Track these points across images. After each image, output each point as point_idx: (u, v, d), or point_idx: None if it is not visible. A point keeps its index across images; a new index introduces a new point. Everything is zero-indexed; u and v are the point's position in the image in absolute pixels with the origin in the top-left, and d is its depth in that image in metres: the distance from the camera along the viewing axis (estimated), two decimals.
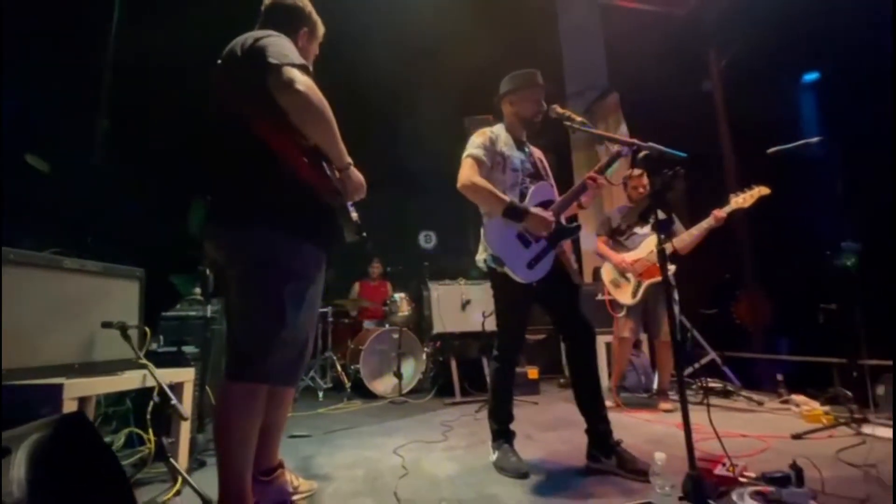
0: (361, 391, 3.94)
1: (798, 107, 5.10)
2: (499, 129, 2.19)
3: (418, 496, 1.68)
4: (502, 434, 2.04)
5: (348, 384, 3.98)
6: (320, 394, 3.96)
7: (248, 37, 1.35)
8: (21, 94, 2.83)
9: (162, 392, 1.77)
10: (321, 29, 1.66)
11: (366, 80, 5.28)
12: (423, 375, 4.19)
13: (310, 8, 1.61)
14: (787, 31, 4.10)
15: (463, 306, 3.90)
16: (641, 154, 1.60)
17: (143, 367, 1.83)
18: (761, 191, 2.88)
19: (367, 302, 4.81)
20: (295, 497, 1.69)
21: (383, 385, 3.97)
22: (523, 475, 1.84)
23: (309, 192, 1.36)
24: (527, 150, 2.22)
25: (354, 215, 1.61)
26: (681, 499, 1.36)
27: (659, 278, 3.12)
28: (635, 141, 1.66)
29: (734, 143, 4.10)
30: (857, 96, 4.61)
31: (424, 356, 4.27)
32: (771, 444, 2.21)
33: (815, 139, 2.53)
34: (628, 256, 3.18)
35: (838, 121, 5.05)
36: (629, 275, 3.14)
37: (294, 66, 1.24)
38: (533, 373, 3.90)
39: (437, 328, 3.87)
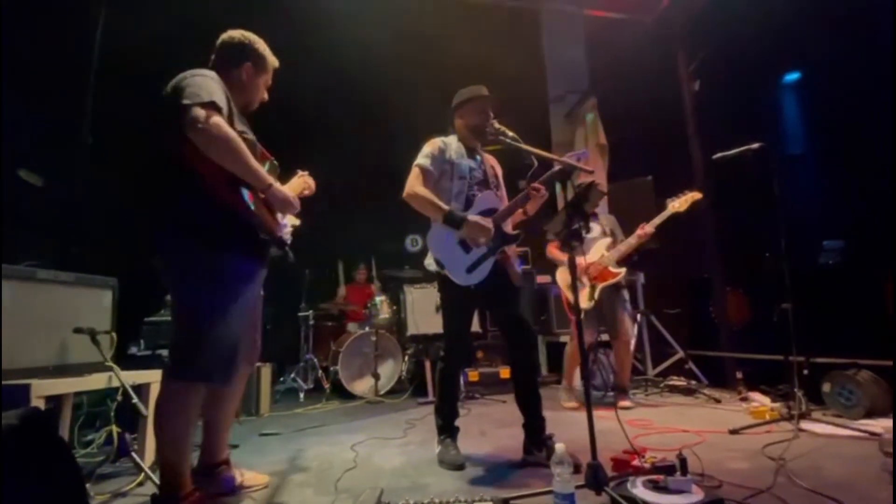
0: (341, 392, 4.09)
1: (770, 105, 5.19)
2: (451, 139, 2.31)
3: (356, 486, 1.82)
4: (446, 430, 2.17)
5: (327, 385, 4.13)
6: (301, 395, 4.11)
7: (180, 76, 1.52)
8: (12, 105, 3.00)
9: (125, 392, 1.93)
10: (270, 62, 1.81)
11: (354, 86, 5.43)
12: (402, 376, 4.33)
13: (257, 44, 1.76)
14: (753, 35, 4.19)
15: (437, 309, 4.03)
16: (556, 168, 1.73)
17: (110, 369, 2.00)
18: (694, 196, 3.05)
19: (347, 305, 4.95)
20: (243, 490, 1.83)
21: (362, 386, 4.12)
22: (459, 467, 1.98)
23: (231, 210, 1.51)
24: (478, 158, 2.34)
25: (287, 229, 1.77)
26: (580, 486, 1.48)
27: (611, 281, 3.23)
28: (553, 157, 1.78)
29: (702, 144, 4.18)
30: (833, 97, 4.70)
31: (406, 357, 4.41)
32: (707, 438, 2.31)
33: (755, 145, 2.61)
34: (581, 261, 3.29)
35: (817, 120, 5.14)
36: (584, 278, 3.25)
37: (202, 104, 1.39)
38: (506, 372, 4.03)
39: (412, 330, 4.00)
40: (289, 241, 1.82)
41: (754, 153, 2.61)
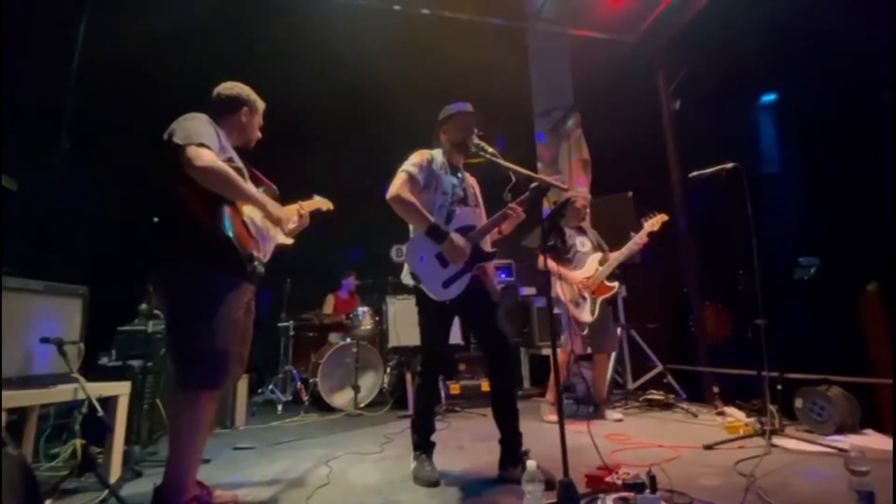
0: (320, 405, 4.03)
1: (747, 124, 5.34)
2: (437, 153, 2.31)
3: (326, 503, 1.79)
4: (421, 445, 2.15)
5: (306, 397, 4.06)
6: (279, 407, 4.04)
7: (176, 120, 1.69)
8: None
9: (90, 404, 1.88)
10: (261, 104, 2.04)
11: (341, 97, 5.45)
12: (384, 389, 4.28)
13: (247, 91, 1.98)
14: (734, 55, 4.32)
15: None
16: (533, 185, 1.75)
17: (76, 380, 1.94)
18: (662, 217, 3.26)
19: (328, 317, 4.88)
20: None
21: (342, 398, 4.07)
22: (434, 484, 1.96)
23: (211, 233, 1.62)
24: (460, 175, 2.35)
25: (270, 246, 1.83)
26: None
27: (608, 294, 3.27)
28: (531, 174, 1.81)
29: (680, 162, 4.28)
30: (808, 118, 4.86)
31: (388, 369, 4.37)
32: (681, 453, 2.32)
33: (729, 165, 2.68)
34: (578, 275, 3.32)
35: (794, 140, 5.30)
36: (585, 293, 3.28)
37: (194, 144, 1.58)
38: (486, 385, 4.01)
39: (393, 342, 3.98)
40: (266, 258, 1.86)
41: (728, 172, 2.68)
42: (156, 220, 1.71)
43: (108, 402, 2.18)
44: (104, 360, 2.91)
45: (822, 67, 4.38)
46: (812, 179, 4.80)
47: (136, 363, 2.68)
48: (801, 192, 4.96)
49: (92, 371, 2.77)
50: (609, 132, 4.92)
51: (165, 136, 1.66)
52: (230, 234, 1.63)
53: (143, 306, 2.85)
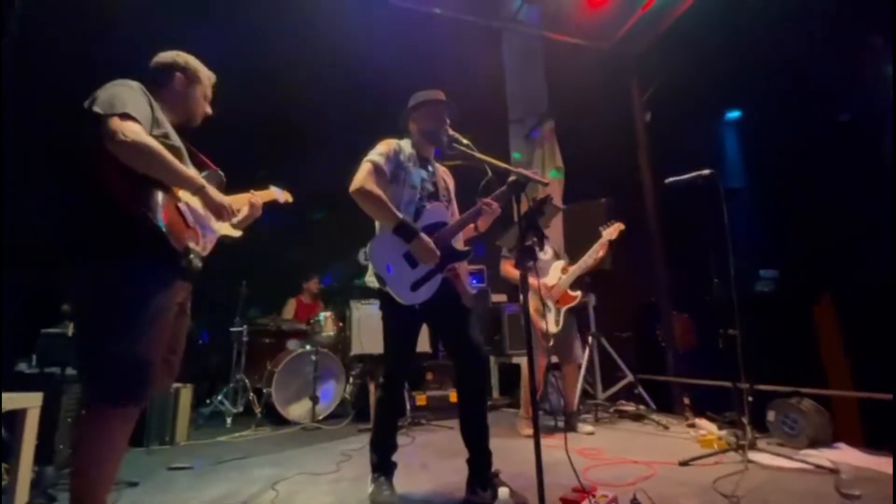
0: (274, 417, 3.73)
1: (714, 139, 5.46)
2: (405, 144, 2.13)
3: None
4: (381, 466, 1.95)
5: (258, 409, 3.76)
6: (228, 420, 3.72)
7: (101, 88, 1.45)
8: None
9: None
10: (205, 74, 1.76)
11: (309, 99, 5.21)
12: (346, 400, 4.02)
13: (186, 58, 1.73)
14: (704, 70, 4.37)
15: None
16: (510, 179, 1.61)
17: None
18: (619, 226, 3.20)
19: (287, 322, 4.58)
20: None
21: (299, 410, 3.78)
22: None
23: (136, 219, 1.38)
24: (430, 168, 2.17)
25: (212, 237, 1.59)
26: None
27: (570, 304, 3.17)
28: (507, 167, 1.66)
29: (652, 172, 4.27)
30: (772, 134, 4.99)
31: (350, 379, 4.11)
32: (657, 470, 2.21)
33: (706, 171, 2.63)
34: (540, 283, 3.20)
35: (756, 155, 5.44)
36: (549, 302, 3.15)
37: (119, 115, 1.36)
38: (455, 396, 3.82)
39: (356, 349, 3.74)
40: (206, 251, 1.61)
41: (704, 179, 2.64)
42: (73, 203, 1.45)
43: (16, 416, 1.87)
44: (22, 367, 2.55)
45: (784, 88, 4.51)
46: (772, 195, 4.94)
47: (55, 370, 2.34)
48: (761, 207, 5.09)
49: (7, 379, 2.42)
50: (583, 140, 4.88)
51: (86, 104, 1.40)
52: (161, 223, 1.38)
53: (67, 306, 2.52)
